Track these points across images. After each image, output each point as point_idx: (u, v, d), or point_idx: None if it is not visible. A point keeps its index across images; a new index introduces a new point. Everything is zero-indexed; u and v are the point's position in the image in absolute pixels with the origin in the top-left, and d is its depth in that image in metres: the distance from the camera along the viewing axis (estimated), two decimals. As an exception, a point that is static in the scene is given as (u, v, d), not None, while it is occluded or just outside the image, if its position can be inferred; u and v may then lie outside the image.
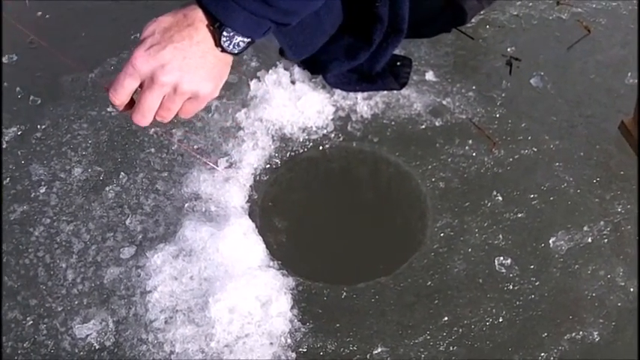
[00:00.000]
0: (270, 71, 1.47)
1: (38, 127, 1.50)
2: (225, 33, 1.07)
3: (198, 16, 1.07)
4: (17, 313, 1.26)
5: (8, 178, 1.43)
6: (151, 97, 1.07)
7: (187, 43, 1.06)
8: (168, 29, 1.07)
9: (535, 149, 1.43)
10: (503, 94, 1.51)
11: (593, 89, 1.52)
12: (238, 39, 1.08)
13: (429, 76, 1.53)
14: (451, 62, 1.55)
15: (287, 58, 1.41)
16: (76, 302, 1.27)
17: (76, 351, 1.22)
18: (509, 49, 1.59)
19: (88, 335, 1.23)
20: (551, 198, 1.36)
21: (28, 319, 1.25)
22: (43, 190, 1.41)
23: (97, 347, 1.22)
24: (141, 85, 1.08)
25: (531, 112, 1.48)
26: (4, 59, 1.62)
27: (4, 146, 1.47)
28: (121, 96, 1.08)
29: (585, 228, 1.32)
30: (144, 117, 1.09)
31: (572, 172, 1.39)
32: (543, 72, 1.54)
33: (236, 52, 1.10)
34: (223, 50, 1.09)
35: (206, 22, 1.07)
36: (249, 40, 1.10)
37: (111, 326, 1.24)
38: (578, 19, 1.63)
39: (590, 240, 1.31)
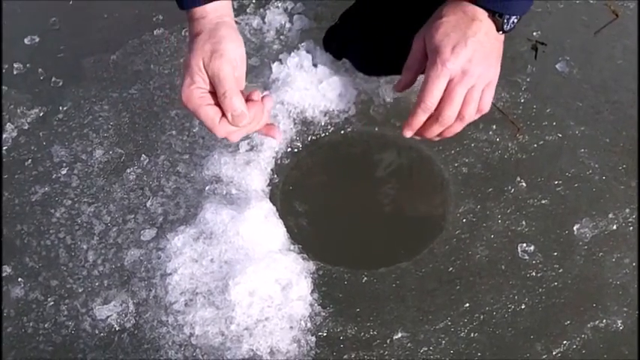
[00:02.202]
0: (292, 54, 1.45)
1: (60, 108, 1.50)
2: (505, 19, 1.17)
3: (477, 10, 1.17)
4: (38, 294, 1.27)
5: (30, 160, 1.43)
6: (461, 90, 1.17)
7: (480, 35, 1.16)
8: (457, 26, 1.16)
9: (560, 135, 1.41)
10: (528, 79, 1.49)
11: (620, 75, 1.49)
12: (512, 19, 1.19)
13: (453, 60, 1.51)
14: (475, 46, 1.53)
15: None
16: (97, 284, 1.27)
17: (97, 332, 1.22)
18: (534, 34, 1.56)
19: (108, 317, 1.23)
20: (576, 184, 1.34)
21: (49, 299, 1.26)
22: (64, 171, 1.41)
23: (117, 329, 1.22)
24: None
25: (556, 97, 1.46)
26: (26, 40, 1.62)
27: (25, 127, 1.47)
28: (433, 98, 1.17)
29: (610, 215, 1.30)
30: (454, 112, 1.18)
31: (597, 159, 1.37)
32: (569, 57, 1.52)
33: (509, 30, 1.21)
34: (504, 32, 1.19)
35: (486, 14, 1.17)
36: (519, 17, 1.20)
37: (131, 308, 1.24)
38: (605, 2, 1.60)
39: (615, 227, 1.29)
